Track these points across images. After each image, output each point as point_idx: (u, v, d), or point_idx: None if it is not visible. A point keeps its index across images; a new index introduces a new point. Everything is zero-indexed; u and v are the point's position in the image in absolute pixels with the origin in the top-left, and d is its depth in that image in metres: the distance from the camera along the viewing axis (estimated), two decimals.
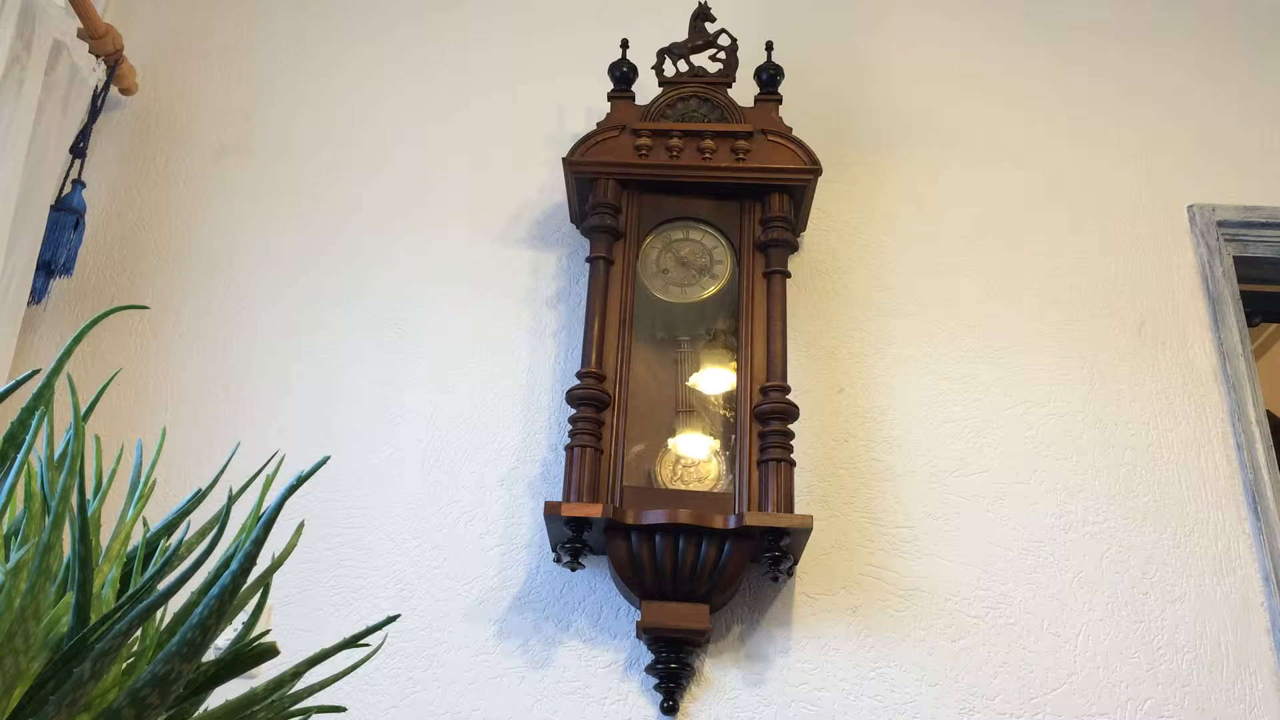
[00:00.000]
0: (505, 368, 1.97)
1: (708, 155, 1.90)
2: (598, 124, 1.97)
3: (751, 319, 1.84)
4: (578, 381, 1.77)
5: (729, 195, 1.95)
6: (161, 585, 0.60)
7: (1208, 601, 1.78)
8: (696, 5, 2.06)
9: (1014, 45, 2.33)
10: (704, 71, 2.01)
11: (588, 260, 1.89)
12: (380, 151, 2.20)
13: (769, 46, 2.05)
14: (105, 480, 0.80)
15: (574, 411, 1.75)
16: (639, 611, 1.69)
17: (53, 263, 1.96)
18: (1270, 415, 2.05)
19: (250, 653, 0.72)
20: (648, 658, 1.69)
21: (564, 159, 1.92)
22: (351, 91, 2.28)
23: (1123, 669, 1.73)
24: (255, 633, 0.76)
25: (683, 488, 1.77)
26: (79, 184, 2.04)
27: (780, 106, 1.98)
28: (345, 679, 0.81)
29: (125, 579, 0.74)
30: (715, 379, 1.87)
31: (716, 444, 1.82)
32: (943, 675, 1.72)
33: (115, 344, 2.01)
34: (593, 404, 1.74)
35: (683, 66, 2.02)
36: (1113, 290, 2.06)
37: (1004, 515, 1.85)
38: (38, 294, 1.95)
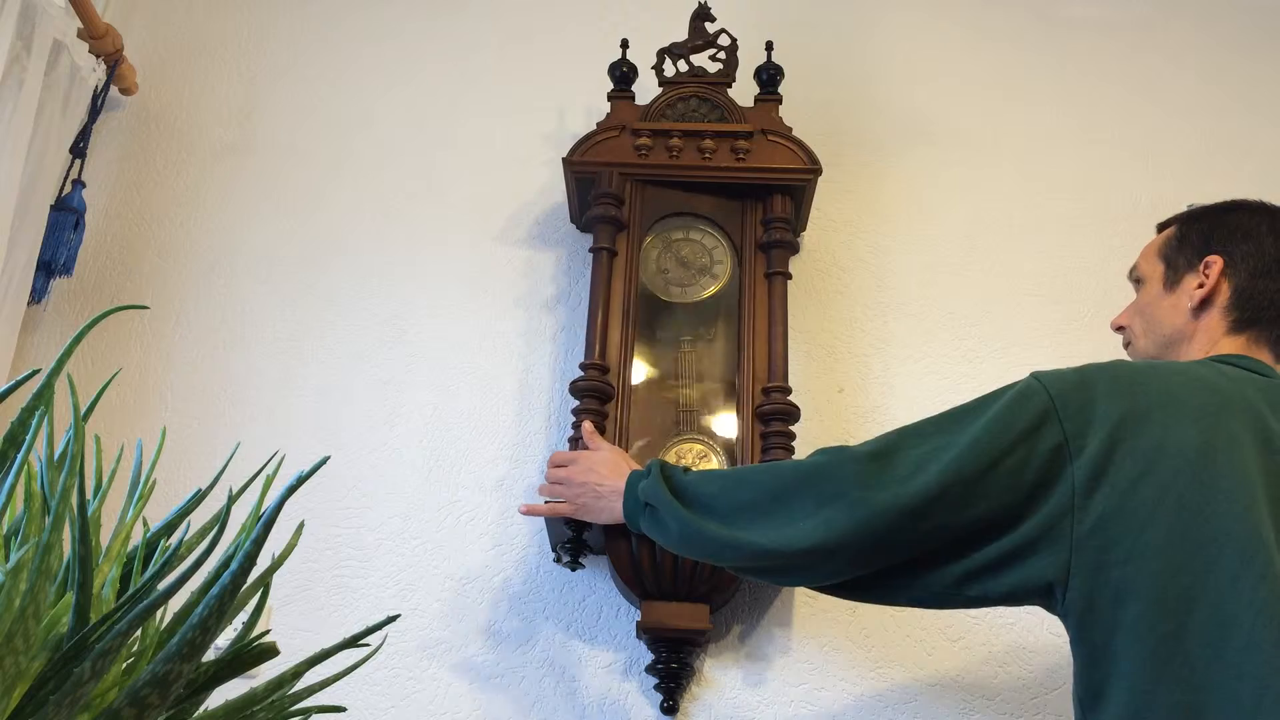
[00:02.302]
0: (505, 368, 1.97)
1: (708, 155, 1.90)
2: (598, 124, 1.97)
3: (753, 320, 1.84)
4: (580, 374, 1.77)
5: (729, 195, 1.94)
6: (161, 585, 0.60)
7: None
8: (696, 5, 2.06)
9: (1014, 45, 2.33)
10: (704, 71, 2.01)
11: (591, 251, 1.88)
12: (380, 151, 2.20)
13: (769, 46, 2.04)
14: (105, 480, 0.80)
15: (577, 404, 1.74)
16: (639, 611, 1.69)
17: (53, 263, 1.96)
18: None
19: (250, 653, 0.72)
20: (648, 658, 1.69)
21: (564, 159, 1.92)
22: (352, 91, 2.27)
23: None
24: (255, 633, 0.76)
25: None
26: (79, 184, 2.04)
27: (780, 106, 1.98)
28: (345, 679, 0.81)
29: (125, 579, 0.74)
30: (715, 379, 1.87)
31: (716, 444, 1.81)
32: (943, 675, 1.72)
33: (115, 344, 2.01)
34: (596, 396, 1.73)
35: (683, 66, 2.02)
36: (1113, 290, 2.05)
37: None
38: (38, 294, 1.95)
